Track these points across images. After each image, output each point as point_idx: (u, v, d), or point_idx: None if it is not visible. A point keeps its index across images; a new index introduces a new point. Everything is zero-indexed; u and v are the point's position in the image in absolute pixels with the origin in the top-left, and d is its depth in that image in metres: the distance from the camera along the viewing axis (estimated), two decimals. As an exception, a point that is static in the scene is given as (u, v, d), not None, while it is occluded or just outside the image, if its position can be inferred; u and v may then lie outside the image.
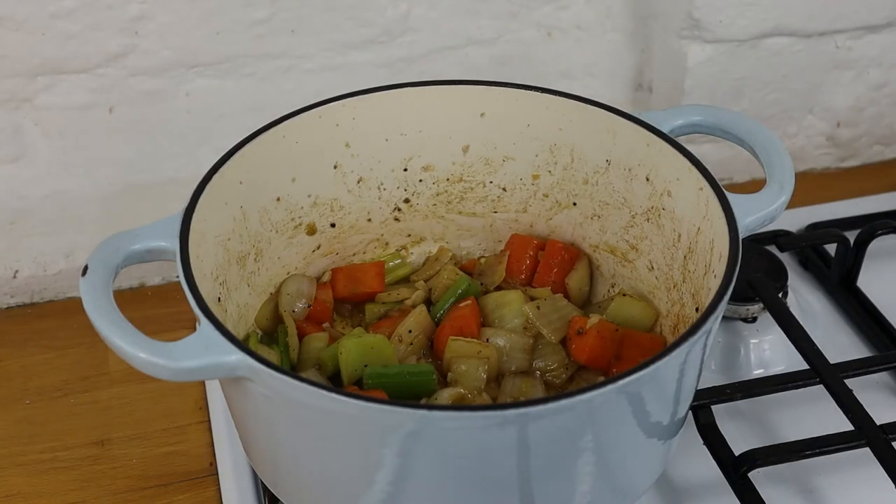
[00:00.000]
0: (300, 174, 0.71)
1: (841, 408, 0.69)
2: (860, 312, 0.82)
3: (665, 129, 0.67)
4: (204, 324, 0.53)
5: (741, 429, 0.73)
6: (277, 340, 0.70)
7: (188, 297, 0.55)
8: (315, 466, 0.57)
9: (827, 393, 0.70)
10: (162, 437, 0.76)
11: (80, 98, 0.81)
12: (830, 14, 0.93)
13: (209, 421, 0.76)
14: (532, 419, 0.50)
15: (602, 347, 0.67)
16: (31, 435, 0.76)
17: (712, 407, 0.71)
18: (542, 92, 0.71)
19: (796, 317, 0.76)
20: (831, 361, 0.72)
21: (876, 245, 0.84)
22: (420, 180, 0.75)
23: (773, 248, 0.84)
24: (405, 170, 0.75)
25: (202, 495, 0.71)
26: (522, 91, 0.71)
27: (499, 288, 0.74)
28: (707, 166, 0.64)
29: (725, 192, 0.62)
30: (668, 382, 0.55)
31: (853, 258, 0.84)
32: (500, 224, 0.77)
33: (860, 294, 0.84)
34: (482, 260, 0.77)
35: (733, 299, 0.74)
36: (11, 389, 0.80)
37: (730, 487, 0.66)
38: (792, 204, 0.64)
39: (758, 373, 0.77)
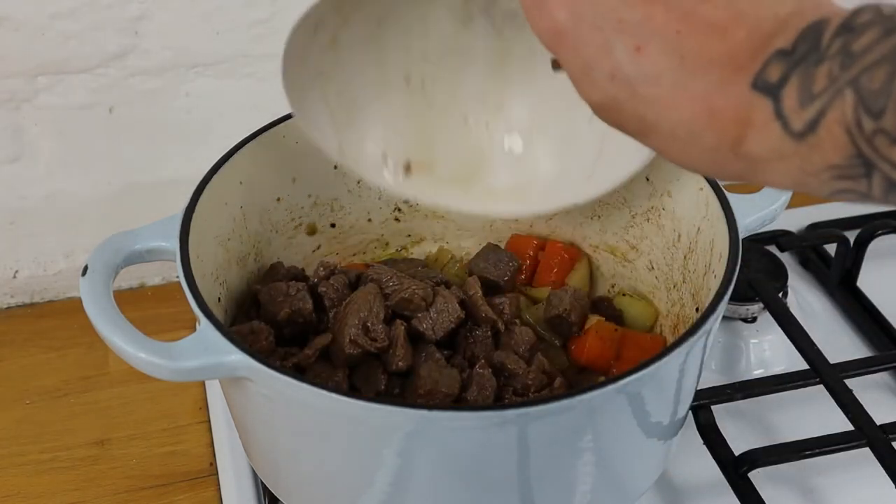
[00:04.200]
0: (300, 174, 0.71)
1: (841, 408, 0.69)
2: (860, 312, 0.82)
3: (665, 129, 0.67)
4: (204, 324, 0.53)
5: (741, 429, 0.73)
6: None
7: (188, 297, 0.55)
8: (315, 466, 0.57)
9: (827, 393, 0.70)
10: (162, 437, 0.76)
11: (80, 98, 0.81)
12: (830, 14, 0.93)
13: (209, 421, 0.76)
14: (532, 419, 0.50)
15: (602, 347, 0.67)
16: (31, 435, 0.76)
17: (712, 407, 0.71)
18: (542, 92, 0.71)
19: (796, 317, 0.76)
20: (831, 361, 0.72)
21: (876, 245, 0.84)
22: (420, 180, 0.75)
23: (773, 248, 0.84)
24: (405, 170, 0.75)
25: (202, 495, 0.71)
26: (522, 91, 0.71)
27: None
28: (707, 166, 0.64)
29: (725, 192, 0.62)
30: (668, 382, 0.55)
31: (853, 258, 0.84)
32: (500, 224, 0.77)
33: (860, 294, 0.84)
34: (482, 260, 0.77)
35: (733, 299, 0.74)
36: (11, 389, 0.80)
37: (730, 487, 0.66)
38: (792, 204, 0.64)
39: (758, 373, 0.77)
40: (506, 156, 0.64)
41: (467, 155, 0.64)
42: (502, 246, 0.77)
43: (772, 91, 0.37)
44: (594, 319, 0.68)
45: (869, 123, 0.34)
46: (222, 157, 0.65)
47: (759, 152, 0.38)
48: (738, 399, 0.71)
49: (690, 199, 0.65)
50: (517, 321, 0.68)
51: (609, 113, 0.42)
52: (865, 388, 0.73)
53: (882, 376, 0.77)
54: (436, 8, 0.58)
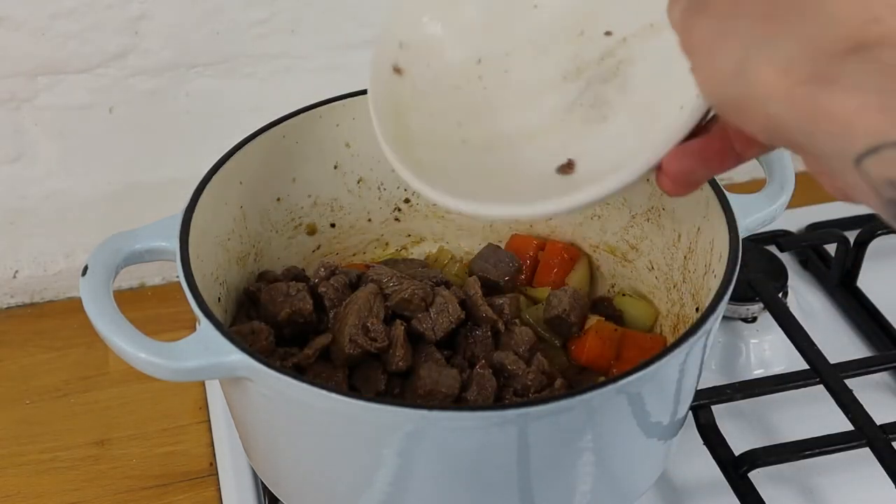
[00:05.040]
0: (300, 174, 0.71)
1: (841, 408, 0.69)
2: (860, 312, 0.82)
3: (665, 129, 0.67)
4: (204, 324, 0.53)
5: (741, 429, 0.73)
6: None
7: (188, 297, 0.55)
8: (315, 466, 0.57)
9: (827, 393, 0.70)
10: (162, 437, 0.76)
11: (80, 98, 0.81)
12: (830, 14, 0.92)
13: (209, 421, 0.76)
14: (532, 419, 0.50)
15: (602, 348, 0.67)
16: (31, 435, 0.76)
17: (712, 407, 0.71)
18: (542, 92, 0.71)
19: (796, 317, 0.76)
20: (831, 361, 0.72)
21: (876, 245, 0.84)
22: (420, 180, 0.75)
23: (773, 248, 0.84)
24: (405, 170, 0.74)
25: (202, 495, 0.72)
26: (522, 91, 0.71)
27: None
28: (707, 166, 0.64)
29: (725, 192, 0.61)
30: (668, 382, 0.55)
31: (853, 258, 0.83)
32: (500, 224, 0.77)
33: (860, 294, 0.83)
34: (482, 260, 0.77)
35: (733, 299, 0.74)
36: (11, 389, 0.80)
37: (730, 487, 0.66)
38: (792, 204, 0.64)
39: (758, 373, 0.77)
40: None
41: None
42: (502, 246, 0.77)
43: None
44: (594, 319, 0.68)
45: None
46: (222, 157, 0.65)
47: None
48: (738, 399, 0.71)
49: (690, 199, 0.65)
50: (517, 321, 0.68)
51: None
52: (865, 388, 0.73)
53: (882, 376, 0.77)
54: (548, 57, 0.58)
